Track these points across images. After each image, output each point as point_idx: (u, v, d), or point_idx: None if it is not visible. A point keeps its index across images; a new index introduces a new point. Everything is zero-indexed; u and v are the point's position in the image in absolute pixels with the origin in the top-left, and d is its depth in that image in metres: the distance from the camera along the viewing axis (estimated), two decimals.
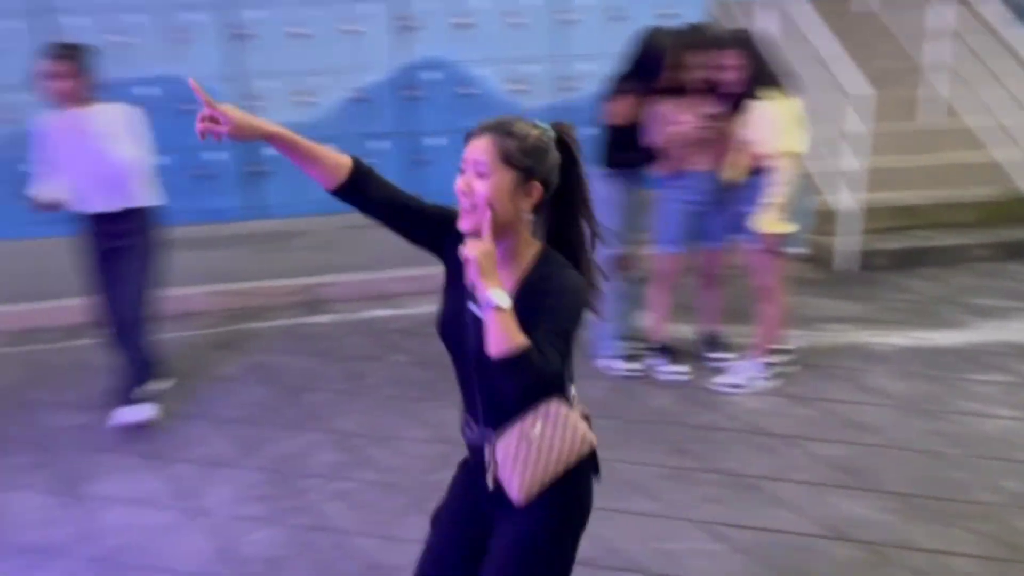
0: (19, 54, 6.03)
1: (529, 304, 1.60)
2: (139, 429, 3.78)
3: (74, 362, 4.57)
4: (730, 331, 4.39)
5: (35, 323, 5.14)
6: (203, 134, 1.64)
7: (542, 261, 1.72)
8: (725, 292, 4.32)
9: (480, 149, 1.66)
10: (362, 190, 1.77)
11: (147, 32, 6.08)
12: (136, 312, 3.80)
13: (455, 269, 1.74)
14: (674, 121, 3.77)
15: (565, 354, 1.61)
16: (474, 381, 1.76)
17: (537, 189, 1.69)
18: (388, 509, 3.18)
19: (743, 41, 3.78)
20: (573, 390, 1.81)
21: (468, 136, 1.71)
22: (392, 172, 6.70)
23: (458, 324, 1.75)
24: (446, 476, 3.29)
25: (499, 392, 1.71)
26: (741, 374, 4.05)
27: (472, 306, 1.70)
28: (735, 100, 3.74)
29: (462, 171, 1.69)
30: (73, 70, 3.59)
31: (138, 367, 3.84)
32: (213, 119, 1.63)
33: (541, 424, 1.71)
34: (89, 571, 2.88)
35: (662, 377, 4.15)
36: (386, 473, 3.41)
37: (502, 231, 1.66)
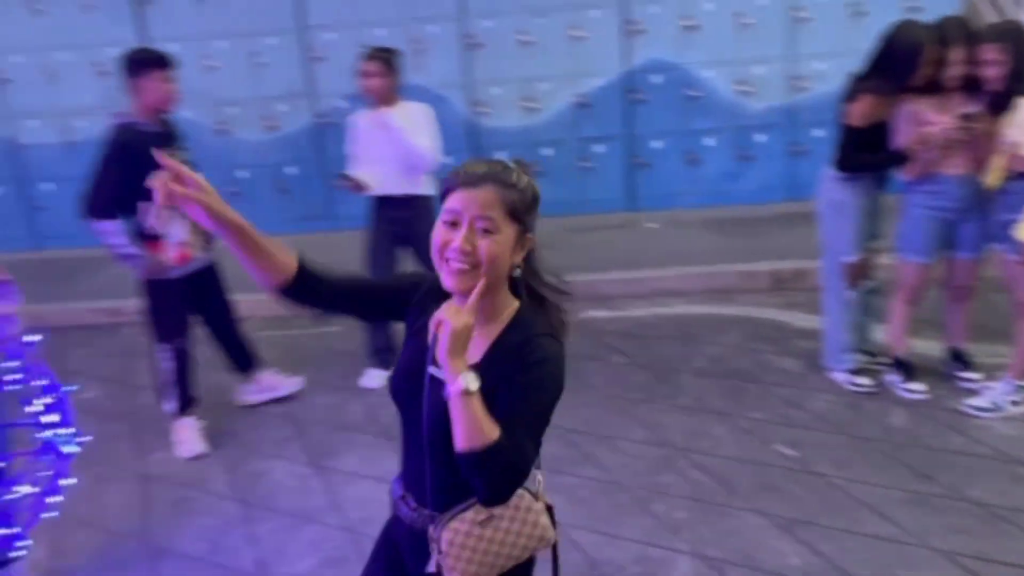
0: (281, 67, 6.73)
1: (502, 370, 1.47)
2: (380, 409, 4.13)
3: (323, 347, 5.01)
4: (980, 349, 4.03)
5: (283, 310, 5.67)
6: (166, 196, 1.42)
7: (519, 322, 1.55)
8: (976, 306, 3.98)
9: (486, 203, 1.47)
10: (310, 289, 1.61)
11: (387, 44, 6.54)
12: None
13: (415, 326, 1.64)
14: (926, 121, 3.52)
15: (539, 442, 1.47)
16: (424, 453, 1.57)
17: (531, 241, 1.56)
18: (608, 506, 3.22)
19: (1008, 33, 3.46)
20: (540, 476, 1.63)
21: (458, 184, 1.50)
22: (613, 174, 6.80)
23: (412, 385, 1.59)
24: (668, 479, 3.34)
25: (452, 469, 1.50)
26: (992, 396, 3.70)
27: (432, 369, 1.55)
28: (997, 98, 3.44)
29: (453, 224, 1.49)
30: (384, 70, 4.07)
31: None
32: (179, 179, 1.43)
33: (500, 515, 1.55)
34: (337, 538, 3.16)
35: (900, 394, 3.89)
36: (607, 471, 3.46)
37: (491, 290, 1.51)
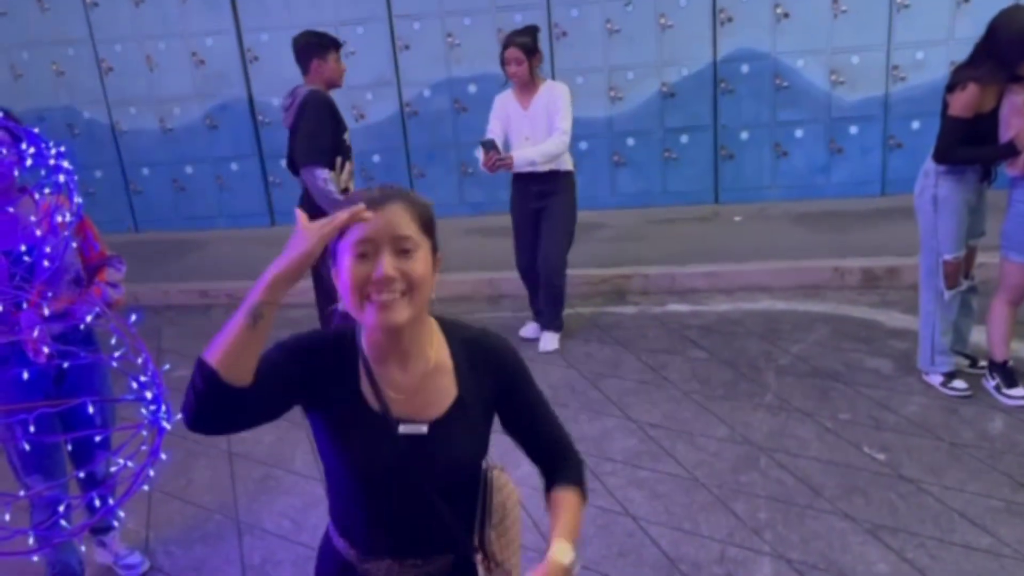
0: (369, 56, 6.82)
1: (476, 380, 1.48)
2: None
3: None
4: None
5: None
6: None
7: (450, 331, 1.51)
8: None
9: (400, 222, 1.34)
10: (245, 399, 1.29)
11: (472, 34, 6.57)
12: (559, 261, 4.51)
13: (345, 403, 1.43)
14: None
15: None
16: (437, 505, 1.45)
17: (440, 260, 1.45)
18: (687, 503, 3.17)
19: None
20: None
21: (370, 206, 1.33)
22: (698, 166, 6.66)
23: (384, 457, 1.42)
24: (749, 478, 3.27)
25: (470, 496, 1.54)
26: None
27: (403, 428, 1.43)
28: None
29: (364, 256, 1.33)
30: (523, 56, 4.23)
31: (556, 306, 4.62)
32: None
33: (509, 502, 1.59)
34: None
35: (999, 400, 3.71)
36: (685, 467, 3.40)
37: (420, 318, 1.41)
